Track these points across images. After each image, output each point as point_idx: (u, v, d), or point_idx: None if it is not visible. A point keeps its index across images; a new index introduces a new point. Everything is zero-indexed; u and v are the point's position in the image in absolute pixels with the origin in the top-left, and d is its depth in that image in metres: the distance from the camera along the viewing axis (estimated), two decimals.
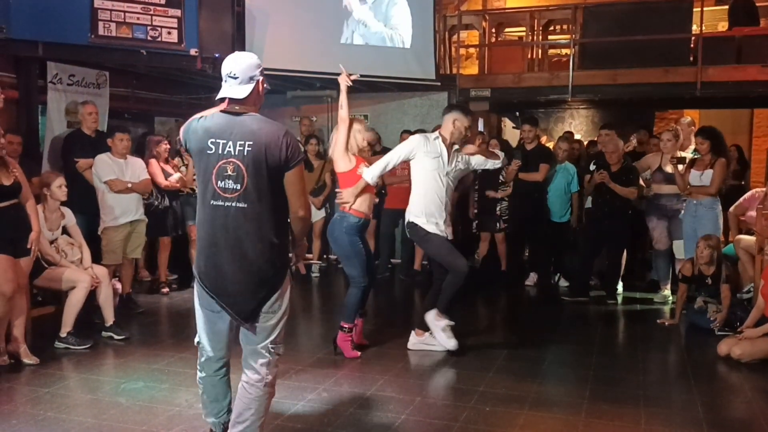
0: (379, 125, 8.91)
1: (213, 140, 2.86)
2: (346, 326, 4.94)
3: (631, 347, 5.61)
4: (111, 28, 6.45)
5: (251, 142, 2.82)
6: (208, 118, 2.93)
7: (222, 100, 2.93)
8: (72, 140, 6.40)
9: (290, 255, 3.09)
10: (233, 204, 2.86)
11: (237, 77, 2.88)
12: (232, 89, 2.88)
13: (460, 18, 9.11)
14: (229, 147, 2.84)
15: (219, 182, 2.86)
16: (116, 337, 5.24)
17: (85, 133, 6.32)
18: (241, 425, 2.96)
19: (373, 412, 3.89)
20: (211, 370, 3.12)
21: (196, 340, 3.13)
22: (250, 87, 2.89)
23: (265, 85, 2.98)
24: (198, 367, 3.15)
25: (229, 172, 2.84)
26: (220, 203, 2.87)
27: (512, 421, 3.81)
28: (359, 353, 4.97)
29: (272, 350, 2.98)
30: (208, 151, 2.87)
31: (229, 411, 3.14)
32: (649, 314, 6.36)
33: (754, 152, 10.64)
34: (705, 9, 8.14)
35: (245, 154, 2.82)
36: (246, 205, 2.85)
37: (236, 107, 2.90)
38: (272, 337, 2.97)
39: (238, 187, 2.84)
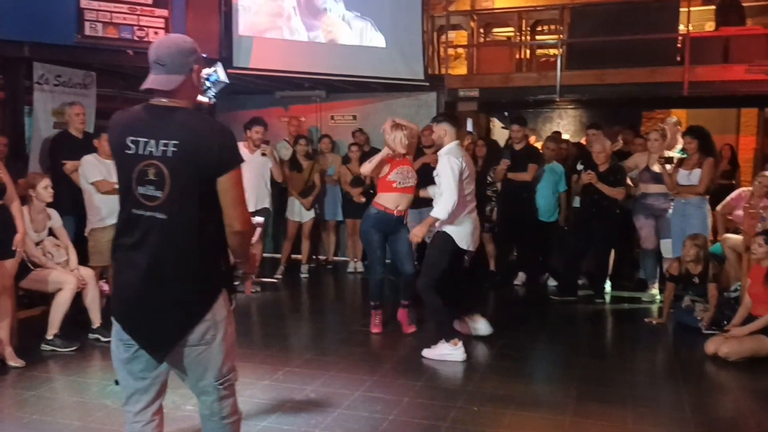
0: (368, 126, 8.89)
1: (133, 138, 2.38)
2: (372, 303, 5.61)
3: (619, 346, 5.64)
4: (97, 28, 6.42)
5: (177, 141, 2.32)
6: (130, 111, 2.49)
7: (150, 92, 2.42)
8: (59, 141, 6.36)
9: (237, 274, 2.66)
10: (152, 214, 2.35)
11: (165, 64, 2.38)
12: (159, 78, 2.38)
13: (448, 18, 9.12)
14: (151, 146, 2.35)
15: (139, 188, 2.36)
16: (103, 338, 5.19)
17: (73, 134, 6.28)
18: None
19: (361, 412, 3.88)
20: (135, 410, 2.52)
21: (116, 380, 2.56)
22: (181, 77, 2.39)
23: (203, 75, 2.55)
24: (126, 414, 2.57)
25: (150, 177, 2.35)
26: (140, 213, 2.37)
27: (500, 421, 3.82)
28: (381, 330, 5.58)
29: (219, 387, 2.46)
30: (127, 151, 2.39)
31: None
32: (636, 313, 6.39)
33: (741, 151, 10.68)
34: (692, 9, 8.19)
35: (169, 155, 2.32)
36: (167, 217, 2.34)
37: (164, 100, 2.40)
38: (214, 373, 2.43)
39: (159, 194, 2.34)
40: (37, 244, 5.14)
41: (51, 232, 5.29)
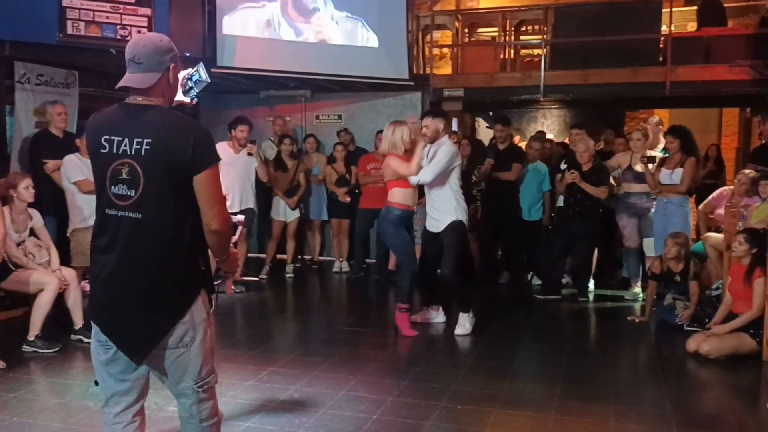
0: (353, 125, 8.91)
1: (107, 137, 2.36)
2: (403, 307, 5.48)
3: (602, 344, 5.68)
4: (80, 27, 6.37)
5: (150, 140, 2.30)
6: (105, 111, 2.46)
7: (126, 90, 2.41)
8: (39, 141, 6.31)
9: (219, 274, 2.61)
10: (126, 214, 2.32)
11: (141, 62, 2.37)
12: (134, 77, 2.37)
13: (433, 18, 9.15)
14: (125, 145, 2.32)
15: (113, 188, 2.34)
16: (85, 339, 5.13)
17: (53, 133, 6.23)
18: None
19: (345, 412, 3.88)
20: (115, 411, 2.49)
21: (95, 379, 2.53)
22: (156, 75, 2.38)
23: (179, 74, 2.52)
24: (105, 416, 2.54)
25: (124, 176, 2.32)
26: (113, 213, 2.35)
27: (483, 420, 3.83)
28: (416, 333, 5.48)
29: (198, 390, 2.43)
30: (102, 150, 2.37)
31: None
32: (619, 311, 6.43)
33: (723, 151, 10.77)
34: (674, 9, 8.26)
35: (143, 153, 2.30)
36: (141, 216, 2.31)
37: (139, 98, 2.39)
38: (192, 376, 2.41)
39: (133, 193, 2.31)
40: (19, 244, 5.09)
41: (32, 233, 5.24)
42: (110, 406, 2.50)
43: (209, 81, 2.83)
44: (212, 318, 2.48)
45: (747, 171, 6.34)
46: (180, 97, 2.60)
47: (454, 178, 5.48)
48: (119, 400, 2.48)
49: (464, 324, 5.54)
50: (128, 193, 2.31)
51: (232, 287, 6.89)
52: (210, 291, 2.49)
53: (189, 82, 2.72)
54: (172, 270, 2.35)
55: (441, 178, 5.39)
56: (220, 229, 2.39)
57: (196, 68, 2.75)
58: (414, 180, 5.36)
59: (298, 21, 8.04)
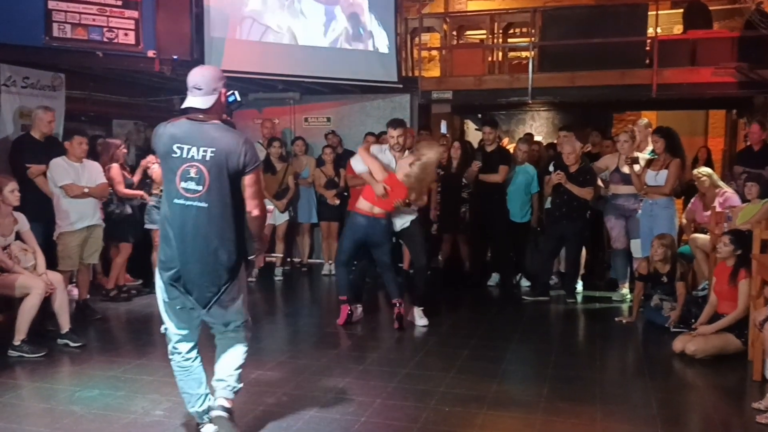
0: (342, 127, 8.91)
1: (178, 145, 3.19)
2: (398, 301, 5.85)
3: (590, 345, 5.70)
4: (66, 29, 6.35)
5: (213, 149, 3.16)
6: (175, 124, 3.25)
7: (186, 108, 3.24)
8: (21, 144, 6.23)
9: (255, 248, 3.53)
10: (194, 203, 3.19)
11: (201, 89, 3.20)
12: (196, 100, 3.20)
13: (421, 21, 9.17)
14: (193, 152, 3.17)
15: (182, 183, 3.19)
16: (72, 344, 5.13)
17: (35, 137, 6.18)
18: (233, 371, 3.45)
19: (334, 414, 3.88)
20: (180, 354, 3.40)
21: (162, 328, 3.42)
22: (213, 98, 3.22)
23: (227, 94, 3.33)
24: (170, 356, 3.43)
25: (192, 175, 3.18)
26: (182, 202, 3.20)
27: (471, 421, 3.84)
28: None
29: (239, 327, 3.43)
30: (173, 155, 3.19)
31: (207, 399, 3.47)
32: (607, 312, 6.46)
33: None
34: (660, 12, 8.31)
35: (207, 159, 3.16)
36: (207, 205, 3.19)
37: (200, 116, 3.22)
38: (235, 316, 3.39)
39: (200, 188, 3.18)
40: (4, 248, 5.06)
41: (18, 237, 5.21)
42: (180, 347, 3.40)
43: (243, 102, 3.59)
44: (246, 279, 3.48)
45: (695, 170, 6.49)
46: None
47: None
48: (186, 341, 3.41)
49: (422, 315, 5.90)
50: (196, 188, 3.18)
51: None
52: (247, 261, 3.39)
53: (228, 101, 3.39)
54: (227, 244, 3.24)
55: None
56: (260, 215, 3.32)
57: (232, 92, 3.40)
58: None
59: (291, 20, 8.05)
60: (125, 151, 6.80)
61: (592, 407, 4.04)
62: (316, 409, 3.95)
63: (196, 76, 3.22)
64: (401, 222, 5.90)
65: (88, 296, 6.20)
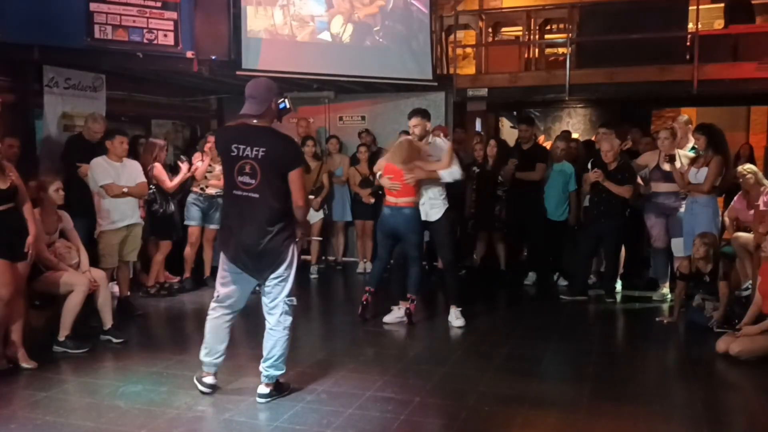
0: (377, 126, 8.91)
1: (236, 145, 3.79)
2: (412, 298, 5.89)
3: (630, 345, 5.62)
4: (107, 31, 6.46)
5: (264, 149, 3.74)
6: (233, 127, 3.97)
7: (243, 115, 3.86)
8: (73, 145, 6.39)
9: (297, 233, 3.99)
10: (249, 194, 3.78)
11: (256, 97, 3.81)
12: (252, 107, 3.81)
13: (456, 18, 9.11)
14: (248, 151, 3.76)
15: (239, 177, 3.79)
16: (114, 340, 5.22)
17: (86, 137, 6.33)
18: (270, 360, 3.98)
19: (372, 412, 3.88)
20: (221, 312, 4.01)
21: (216, 294, 4.03)
22: (265, 105, 3.82)
23: (279, 103, 3.90)
24: (210, 309, 4.04)
25: (247, 170, 3.77)
26: (239, 193, 3.81)
27: (511, 421, 3.81)
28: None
29: (287, 303, 3.96)
30: (232, 153, 3.80)
31: (223, 356, 4.08)
32: (647, 312, 6.36)
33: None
34: (701, 7, 8.14)
35: (259, 157, 3.74)
36: (258, 195, 3.78)
37: (255, 121, 3.83)
38: (285, 294, 3.94)
39: (253, 181, 3.77)
40: (49, 246, 5.16)
41: (62, 234, 5.31)
42: (219, 310, 4.02)
43: (294, 110, 4.37)
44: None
45: (740, 167, 6.32)
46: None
47: None
48: (228, 307, 4.02)
49: (460, 317, 5.82)
50: (250, 182, 3.78)
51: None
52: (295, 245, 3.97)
53: (279, 108, 3.95)
54: (276, 228, 3.81)
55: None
56: (303, 205, 3.89)
57: (283, 99, 3.94)
58: (446, 174, 5.67)
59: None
60: (166, 151, 6.90)
61: (634, 407, 3.98)
62: (355, 407, 3.95)
63: (253, 87, 3.83)
64: (428, 211, 5.79)
65: (129, 293, 6.30)
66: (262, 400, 3.99)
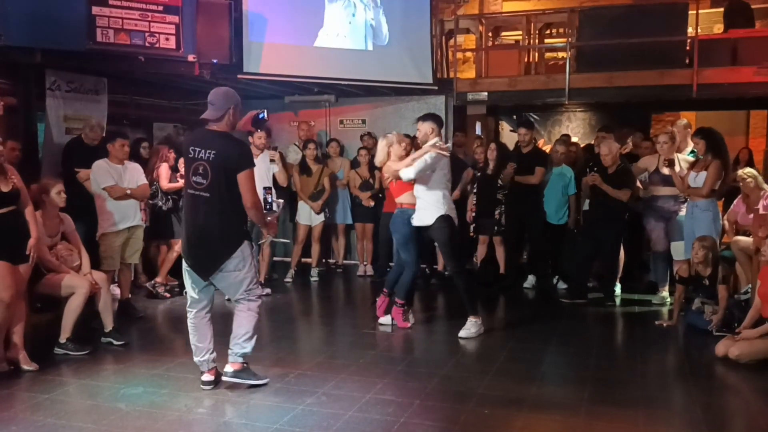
0: (377, 129, 8.91)
1: (193, 147, 4.06)
2: (400, 302, 5.80)
3: (630, 349, 5.62)
4: (109, 34, 6.48)
5: (215, 151, 4.00)
6: (196, 131, 4.28)
7: (205, 121, 4.15)
8: (72, 148, 6.41)
9: (264, 234, 4.39)
10: (201, 193, 4.02)
11: (214, 104, 4.07)
12: (210, 112, 4.09)
13: (456, 22, 9.15)
14: (201, 153, 4.01)
15: (193, 177, 4.04)
16: (115, 342, 5.24)
17: (84, 141, 6.34)
18: (235, 339, 4.22)
19: (372, 415, 3.89)
20: (193, 311, 4.21)
21: (184, 291, 4.31)
22: (221, 112, 4.07)
23: (258, 112, 4.40)
24: (187, 313, 4.25)
25: (200, 171, 4.01)
26: (192, 192, 4.06)
27: (511, 423, 3.82)
28: (410, 324, 5.83)
29: (247, 296, 4.17)
30: (189, 155, 4.07)
31: (212, 352, 4.25)
32: (647, 316, 6.37)
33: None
34: (700, 11, 8.16)
35: (210, 159, 3.99)
36: (209, 195, 4.01)
37: (214, 126, 4.10)
38: (243, 288, 4.14)
39: (205, 181, 4.00)
40: (50, 248, 5.18)
41: (64, 237, 5.33)
42: (192, 309, 4.23)
43: (267, 120, 4.60)
44: (253, 256, 4.25)
45: (740, 171, 6.33)
46: (236, 126, 4.24)
47: (440, 178, 5.54)
48: (196, 304, 4.22)
49: (470, 328, 5.56)
50: (202, 182, 4.00)
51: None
52: (250, 241, 4.20)
53: (257, 117, 4.42)
54: (225, 227, 4.04)
55: (425, 178, 5.49)
56: (252, 207, 4.07)
57: (262, 111, 4.44)
58: (402, 173, 5.51)
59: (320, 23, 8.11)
60: (173, 154, 6.92)
61: (634, 411, 3.99)
62: (355, 409, 3.96)
63: (212, 94, 4.08)
64: (420, 215, 5.59)
65: (130, 296, 6.32)
66: (226, 378, 4.23)
